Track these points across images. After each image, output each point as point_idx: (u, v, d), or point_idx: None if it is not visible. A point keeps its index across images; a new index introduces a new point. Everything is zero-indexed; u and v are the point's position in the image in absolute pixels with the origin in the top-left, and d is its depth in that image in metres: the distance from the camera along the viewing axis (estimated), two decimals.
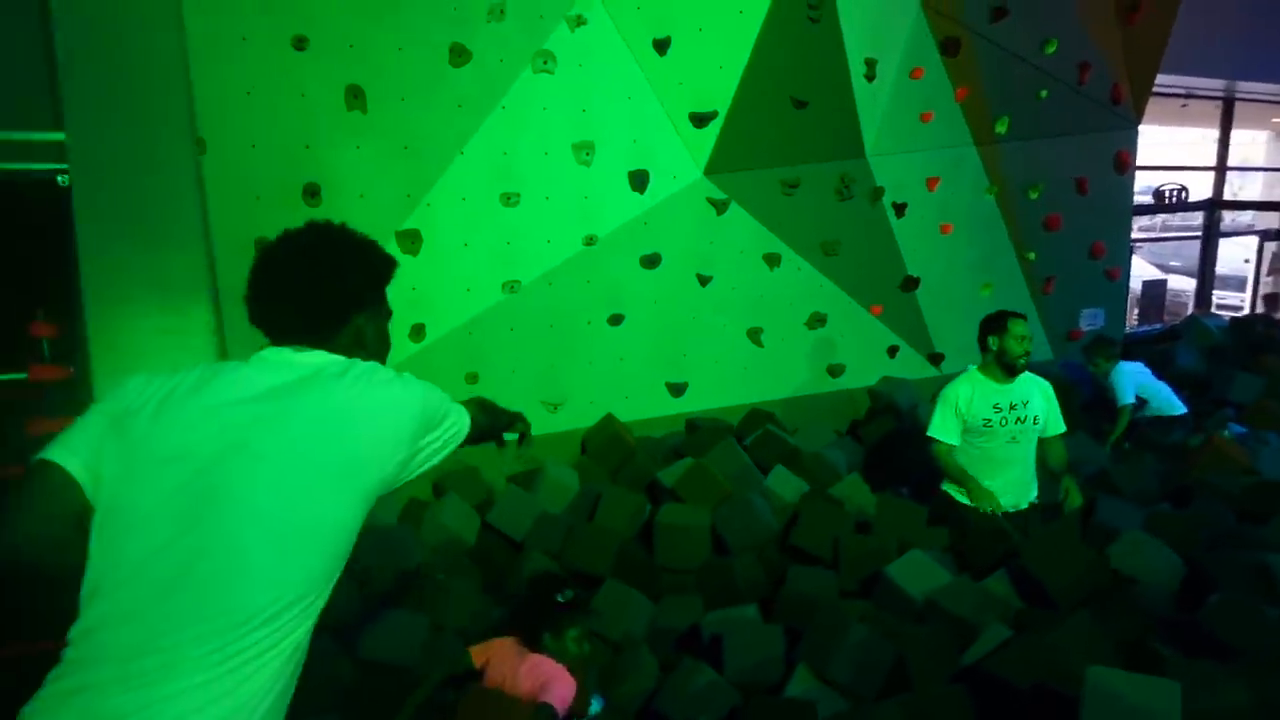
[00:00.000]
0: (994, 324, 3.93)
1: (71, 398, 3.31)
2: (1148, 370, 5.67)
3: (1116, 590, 3.24)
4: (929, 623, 3.24)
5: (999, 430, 3.85)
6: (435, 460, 1.59)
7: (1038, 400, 3.92)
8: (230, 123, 4.06)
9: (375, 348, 1.65)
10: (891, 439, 5.15)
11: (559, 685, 2.61)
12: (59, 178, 3.58)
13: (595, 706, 2.95)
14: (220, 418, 1.40)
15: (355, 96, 4.29)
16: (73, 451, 1.38)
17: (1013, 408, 3.86)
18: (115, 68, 2.53)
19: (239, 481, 1.35)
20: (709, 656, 3.34)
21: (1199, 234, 10.16)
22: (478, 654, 2.84)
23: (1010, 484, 3.89)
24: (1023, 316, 3.92)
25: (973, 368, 4.02)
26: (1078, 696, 2.44)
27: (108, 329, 2.11)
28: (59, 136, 3.35)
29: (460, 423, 1.66)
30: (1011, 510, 3.87)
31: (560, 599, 2.78)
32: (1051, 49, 6.13)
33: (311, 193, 4.26)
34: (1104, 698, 2.31)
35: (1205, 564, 3.48)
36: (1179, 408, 5.51)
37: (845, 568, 3.77)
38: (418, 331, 4.58)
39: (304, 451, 1.39)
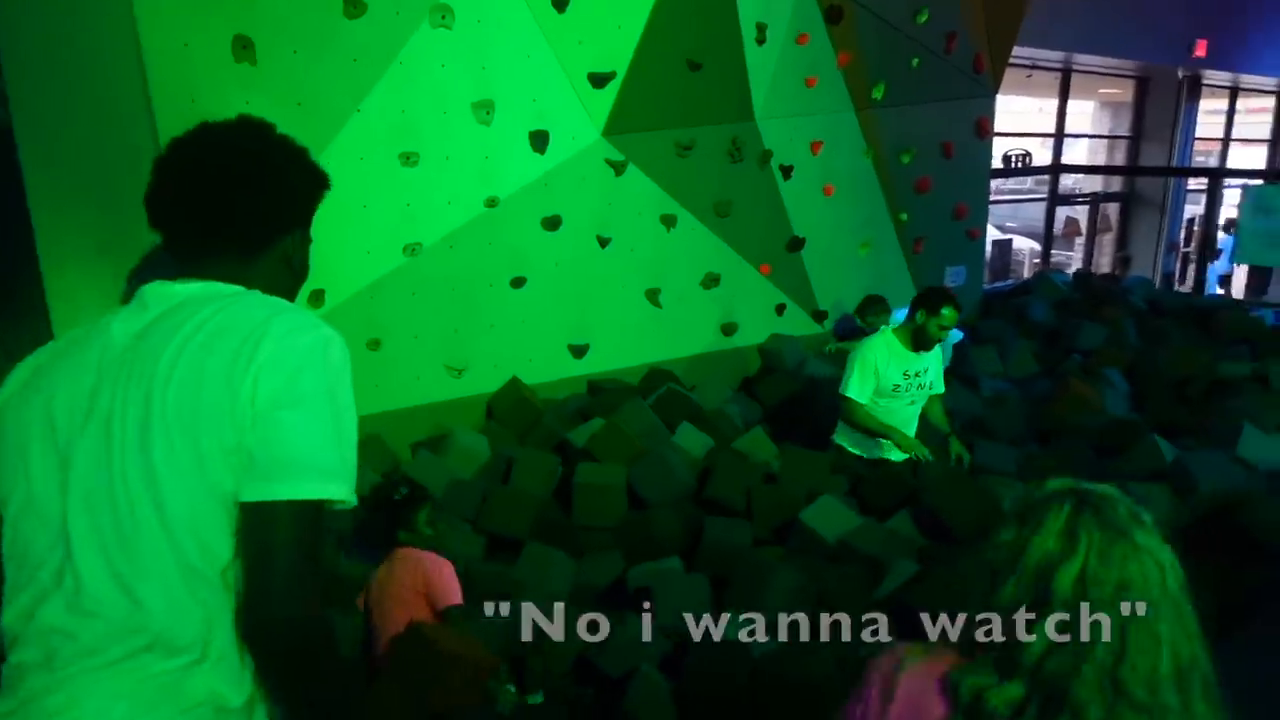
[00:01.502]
0: (929, 303, 4.05)
1: None
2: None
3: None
4: (842, 563, 3.47)
5: (904, 394, 4.12)
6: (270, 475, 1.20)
7: (934, 366, 4.19)
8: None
9: (299, 277, 1.45)
10: (791, 398, 5.37)
11: (434, 570, 2.88)
12: None
13: (537, 698, 3.03)
14: (76, 390, 1.23)
15: (244, 48, 4.04)
16: None
17: (917, 375, 4.12)
18: (61, 28, 2.31)
19: (118, 456, 1.19)
20: (635, 608, 3.46)
21: (1043, 198, 10.96)
22: (359, 602, 3.07)
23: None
24: (956, 305, 4.05)
25: (887, 330, 4.22)
26: None
27: (67, 294, 1.95)
28: None
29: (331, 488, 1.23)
30: (897, 460, 4.17)
31: (396, 496, 3.01)
32: (923, 19, 6.44)
33: None
34: None
35: None
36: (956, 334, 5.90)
37: (759, 517, 3.96)
38: (316, 297, 4.41)
39: (159, 423, 1.19)
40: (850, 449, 4.35)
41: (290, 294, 1.43)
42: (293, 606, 1.16)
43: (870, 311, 5.93)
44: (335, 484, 1.21)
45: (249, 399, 1.18)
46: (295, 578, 1.16)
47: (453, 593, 2.88)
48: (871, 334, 5.77)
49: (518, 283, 5.06)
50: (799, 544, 3.66)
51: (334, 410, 1.23)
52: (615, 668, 3.08)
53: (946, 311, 4.01)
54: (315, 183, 1.44)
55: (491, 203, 4.88)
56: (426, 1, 4.47)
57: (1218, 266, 11.65)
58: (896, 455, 4.20)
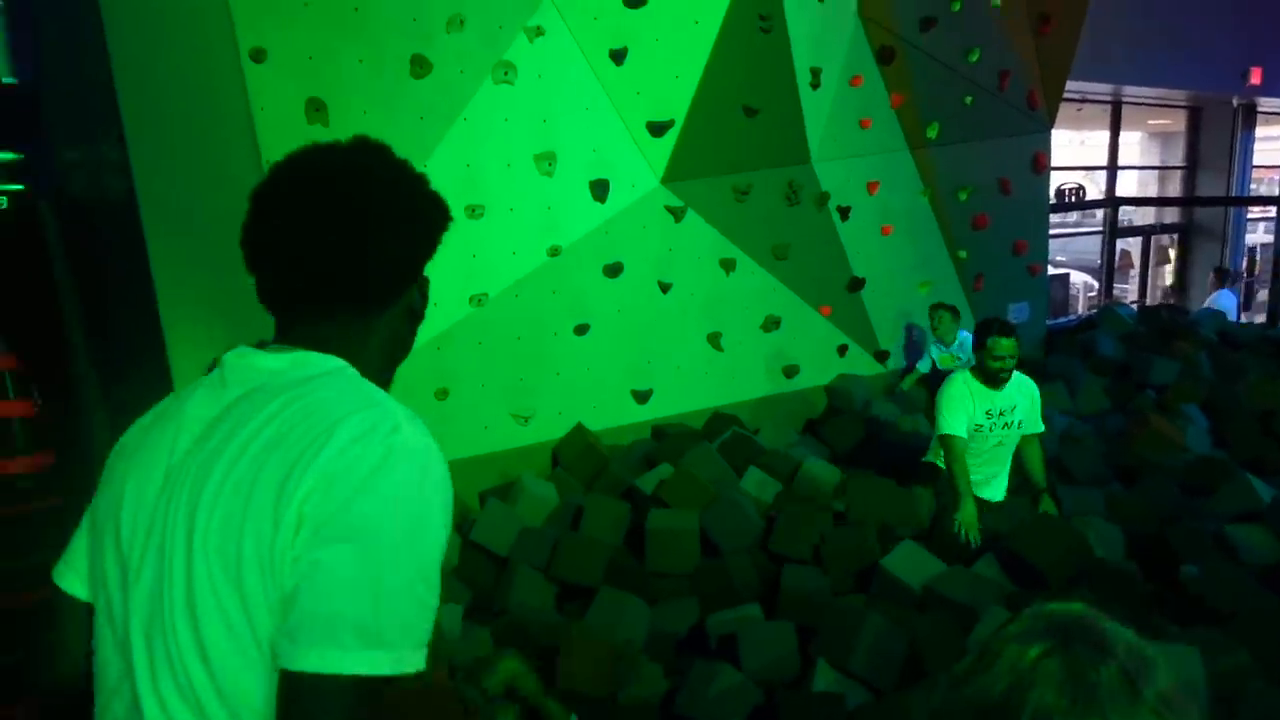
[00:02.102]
0: (979, 338, 3.97)
1: (38, 435, 3.11)
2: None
3: (1099, 568, 3.43)
4: (930, 610, 3.37)
5: (988, 435, 3.99)
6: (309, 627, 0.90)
7: (1023, 404, 4.03)
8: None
9: (392, 352, 1.14)
10: (860, 439, 5.28)
11: None
12: None
13: None
14: (142, 492, 1.01)
15: (316, 110, 4.16)
16: (74, 569, 1.10)
17: (1001, 414, 3.98)
18: (173, 82, 2.40)
19: (178, 553, 0.95)
20: (718, 657, 3.38)
21: (1096, 231, 10.80)
22: None
23: (991, 480, 4.07)
24: (1010, 335, 3.90)
25: (964, 370, 4.11)
26: None
27: (186, 357, 1.99)
28: (3, 156, 3.15)
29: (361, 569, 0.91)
30: (989, 500, 4.04)
31: None
32: (975, 58, 6.44)
33: None
34: None
35: (1169, 537, 3.72)
36: None
37: (833, 569, 3.86)
38: None
39: (227, 532, 0.93)
40: (944, 465, 4.19)
41: (406, 348, 1.17)
42: None
43: (937, 315, 5.91)
44: (381, 653, 0.88)
45: (292, 530, 0.90)
46: None
47: None
48: (941, 344, 5.95)
49: (581, 330, 5.09)
50: (882, 590, 3.57)
51: (399, 552, 0.90)
52: (706, 718, 3.00)
53: (993, 344, 3.88)
54: (444, 213, 1.13)
55: (554, 251, 4.93)
56: (489, 59, 4.57)
57: None
58: (987, 495, 4.07)
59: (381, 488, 0.91)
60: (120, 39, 2.52)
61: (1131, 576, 3.20)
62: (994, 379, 3.93)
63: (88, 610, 1.06)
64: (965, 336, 5.89)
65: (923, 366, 6.12)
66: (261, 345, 1.06)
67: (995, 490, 4.11)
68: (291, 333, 1.06)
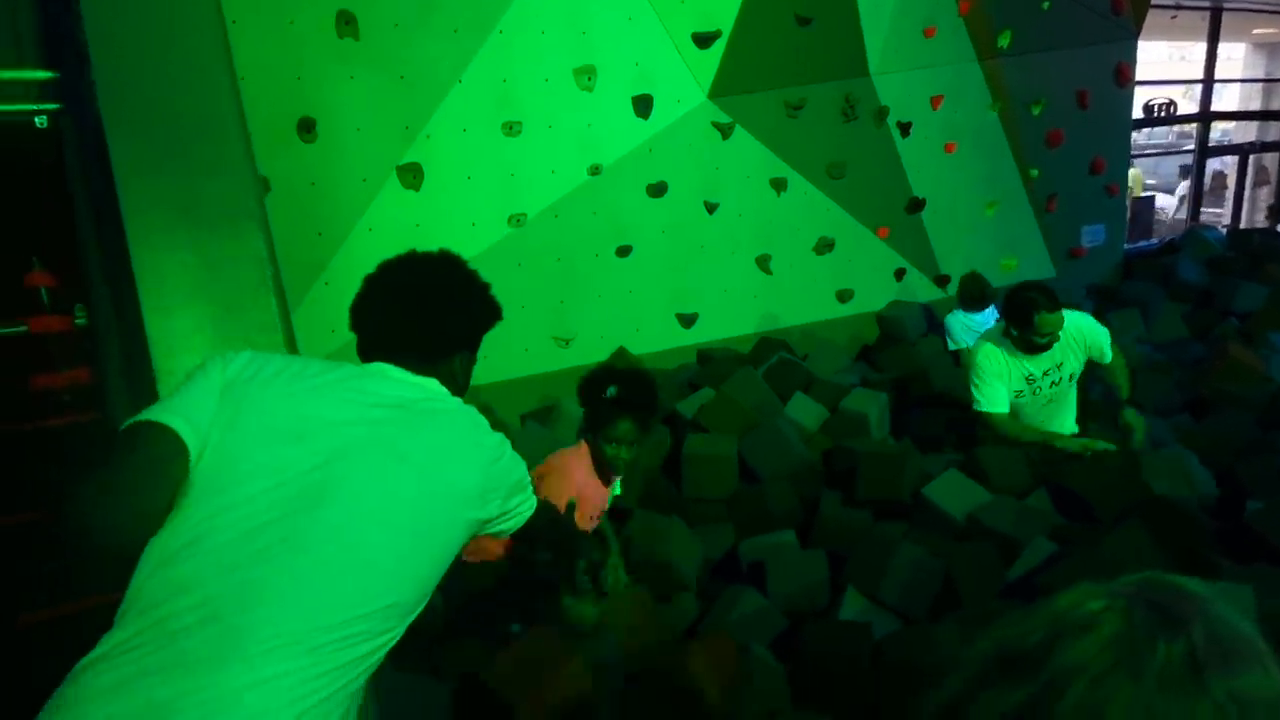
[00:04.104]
0: (1017, 318, 3.54)
1: (77, 348, 3.16)
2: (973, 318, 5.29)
3: (1155, 502, 3.22)
4: (971, 540, 3.22)
5: (1032, 399, 3.72)
6: (505, 526, 1.59)
7: (1073, 358, 3.70)
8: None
9: (463, 385, 1.64)
10: (913, 370, 5.03)
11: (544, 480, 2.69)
12: (36, 119, 3.37)
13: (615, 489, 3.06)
14: (355, 411, 1.38)
15: (346, 23, 4.06)
16: (185, 417, 1.27)
17: (1045, 374, 3.68)
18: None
19: (373, 476, 1.32)
20: (749, 583, 3.31)
21: (1188, 150, 10.10)
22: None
23: (1051, 423, 3.81)
24: (1059, 309, 3.50)
25: (996, 334, 3.73)
26: None
27: (152, 264, 1.97)
28: (39, 75, 3.14)
29: (530, 502, 1.64)
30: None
31: (608, 394, 2.74)
32: None
33: (306, 127, 4.06)
34: None
35: (1237, 472, 3.48)
36: None
37: (866, 486, 3.67)
38: None
39: (437, 463, 1.39)
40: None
41: (469, 383, 1.69)
42: None
43: (971, 299, 5.28)
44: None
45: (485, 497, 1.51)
46: None
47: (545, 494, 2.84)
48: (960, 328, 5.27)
49: (623, 251, 4.96)
50: (923, 519, 3.43)
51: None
52: None
53: (1040, 320, 3.47)
54: (492, 314, 1.66)
55: (595, 170, 4.78)
56: None
57: None
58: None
59: (513, 454, 1.57)
60: None
61: (1189, 512, 2.99)
62: (1036, 350, 3.60)
63: (181, 455, 1.25)
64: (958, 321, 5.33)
65: (962, 339, 5.25)
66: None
67: (1061, 428, 3.84)
68: (403, 363, 1.52)
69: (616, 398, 2.70)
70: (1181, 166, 11.79)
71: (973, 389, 3.72)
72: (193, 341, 1.94)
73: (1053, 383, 3.74)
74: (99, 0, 2.13)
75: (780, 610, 3.08)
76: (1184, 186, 11.85)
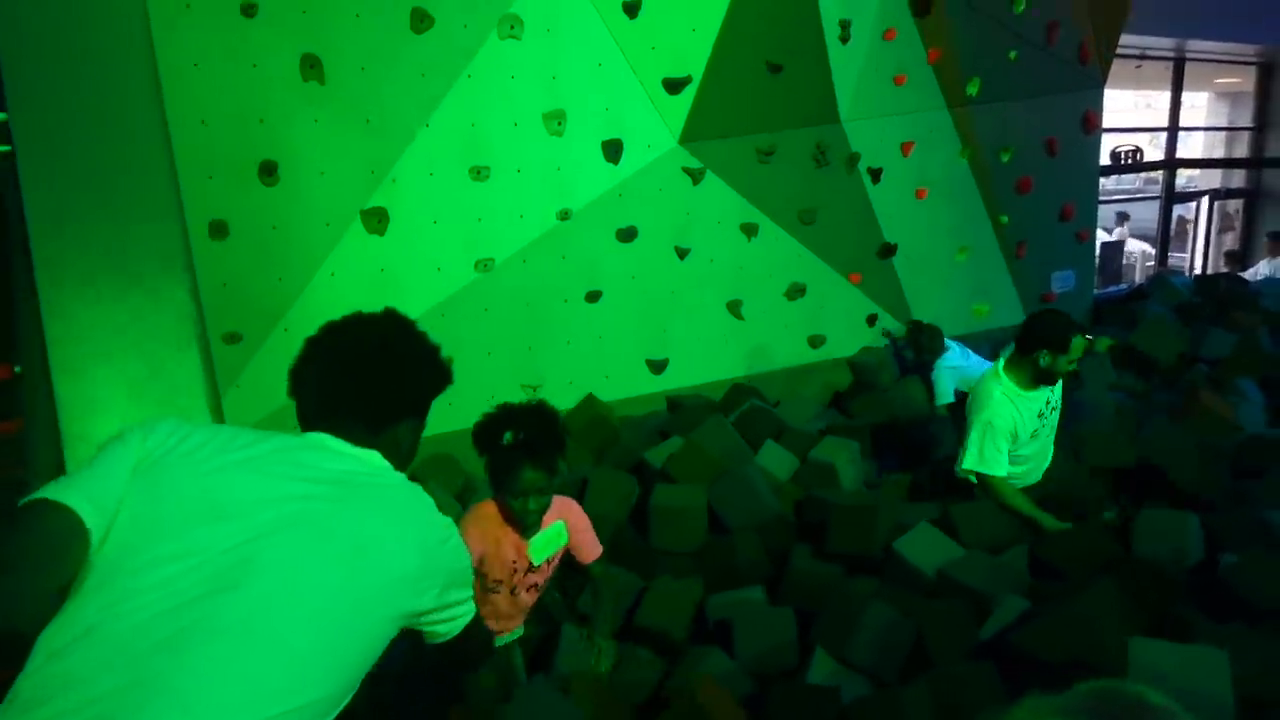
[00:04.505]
0: (1052, 338, 3.37)
1: (13, 396, 3.04)
2: (963, 355, 5.27)
3: (1129, 560, 3.16)
4: (942, 597, 3.15)
5: (1041, 434, 3.61)
6: (440, 629, 1.47)
7: (1058, 388, 3.65)
8: (176, 97, 3.76)
9: (407, 455, 1.54)
10: (886, 418, 4.98)
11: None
12: None
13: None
14: (285, 487, 1.28)
15: (311, 66, 4.01)
16: (88, 496, 1.17)
17: (1049, 404, 3.60)
18: (66, 30, 2.26)
19: (299, 557, 1.22)
20: (716, 642, 3.21)
21: (1155, 197, 10.26)
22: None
23: (1039, 466, 3.73)
24: (1083, 331, 3.45)
25: (1001, 374, 3.53)
26: (1117, 670, 2.35)
27: (66, 315, 1.86)
28: None
29: (469, 608, 1.53)
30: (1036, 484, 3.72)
31: (504, 441, 2.42)
32: (1020, 8, 6.04)
33: (268, 170, 3.99)
34: (1150, 672, 2.22)
35: (1208, 524, 3.43)
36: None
37: (837, 537, 3.59)
38: None
39: (372, 544, 1.29)
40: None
41: (414, 454, 1.59)
42: None
43: (925, 341, 5.26)
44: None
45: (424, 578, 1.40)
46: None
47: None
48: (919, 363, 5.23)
49: (593, 297, 4.90)
50: (894, 575, 3.35)
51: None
52: None
53: (1075, 344, 3.42)
54: (441, 378, 1.56)
55: (564, 215, 4.74)
56: (495, 13, 4.37)
57: None
58: (1033, 480, 3.69)
59: (456, 537, 1.46)
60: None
61: (1163, 571, 2.93)
62: (1053, 380, 3.50)
63: (80, 537, 1.14)
64: (946, 366, 5.16)
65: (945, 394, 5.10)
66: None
67: (1049, 459, 3.75)
68: (344, 433, 1.42)
69: (514, 443, 2.41)
70: (1118, 213, 11.99)
71: (973, 448, 3.50)
72: (108, 404, 1.82)
73: (1053, 409, 3.64)
74: (17, 32, 2.04)
75: (747, 672, 2.99)
76: (1120, 231, 12.03)
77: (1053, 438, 3.74)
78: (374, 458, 1.41)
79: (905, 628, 2.88)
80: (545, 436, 2.45)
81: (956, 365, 5.15)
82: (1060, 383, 3.65)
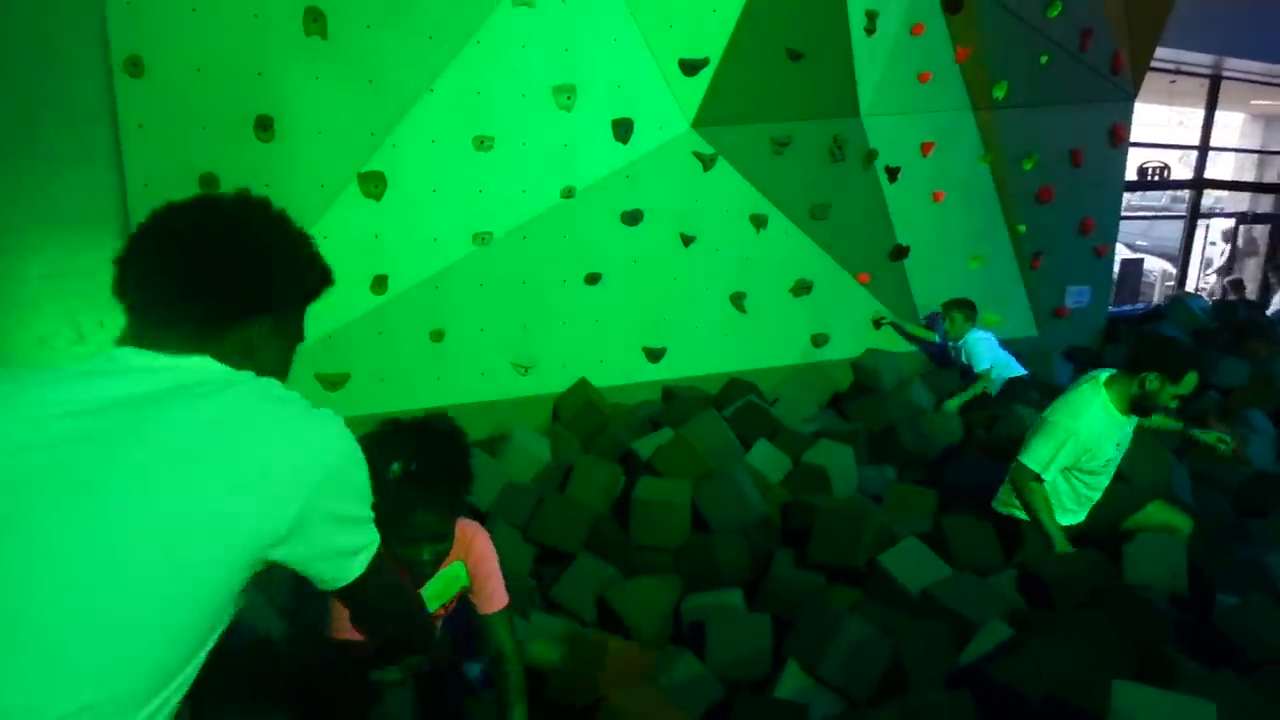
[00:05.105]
0: (1170, 366, 3.19)
1: None
2: (994, 337, 5.58)
3: (1117, 591, 3.04)
4: (923, 616, 3.03)
5: (1111, 466, 3.42)
6: (324, 570, 1.14)
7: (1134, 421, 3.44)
8: (173, 43, 3.64)
9: (272, 367, 1.21)
10: (885, 424, 4.84)
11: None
12: None
13: (474, 670, 2.60)
14: (38, 432, 1.00)
15: (315, 20, 3.88)
16: None
17: (1126, 438, 3.43)
18: None
19: (50, 524, 0.95)
20: (689, 643, 3.11)
21: (1180, 215, 10.05)
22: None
23: (1093, 499, 3.50)
24: (1199, 366, 3.34)
25: (1102, 389, 3.33)
26: (1097, 713, 2.23)
27: None
28: None
29: (372, 543, 1.20)
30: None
31: (392, 473, 1.86)
32: (1055, 12, 5.86)
33: (264, 125, 3.86)
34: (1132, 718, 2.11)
35: (1202, 564, 3.30)
36: (1019, 369, 5.44)
37: (819, 545, 3.47)
38: (379, 283, 4.23)
39: (151, 488, 0.98)
40: (1007, 509, 3.54)
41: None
42: None
43: (961, 312, 5.54)
44: None
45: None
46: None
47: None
48: (952, 337, 5.49)
49: (592, 279, 4.78)
50: (877, 589, 3.24)
51: None
52: None
53: (1191, 377, 3.28)
54: (303, 270, 1.25)
55: (568, 193, 4.60)
56: None
57: None
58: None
59: (323, 426, 1.17)
60: None
61: (1153, 607, 2.81)
62: (1147, 412, 3.34)
63: None
64: (980, 337, 5.47)
65: (979, 364, 5.40)
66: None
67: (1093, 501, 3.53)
68: (158, 338, 1.12)
69: (404, 475, 1.86)
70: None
71: (1045, 448, 3.29)
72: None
73: (1123, 447, 3.45)
74: None
75: (717, 677, 2.88)
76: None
77: (1111, 475, 3.50)
78: (200, 363, 1.11)
79: (882, 646, 2.77)
80: (446, 467, 1.93)
81: (987, 335, 5.51)
82: (1137, 421, 3.42)
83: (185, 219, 1.15)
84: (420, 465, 1.86)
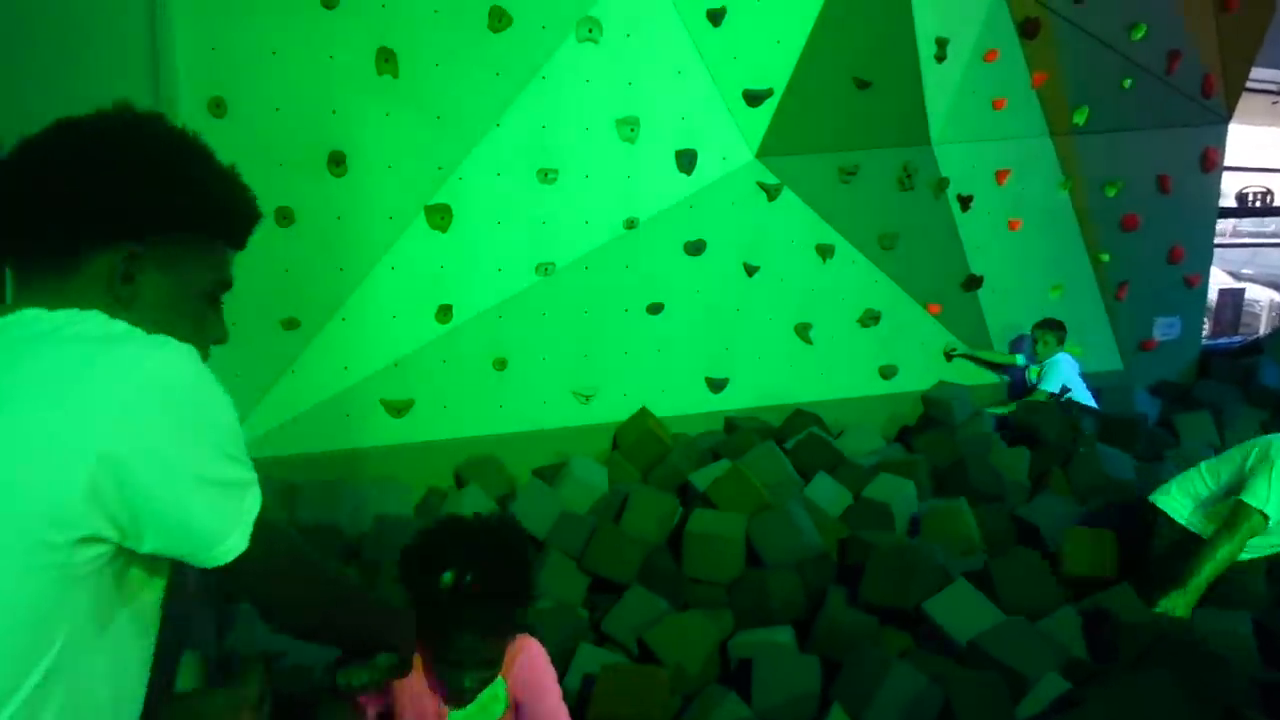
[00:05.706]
0: None
1: None
2: (1077, 365, 5.55)
3: (1184, 644, 2.86)
4: (973, 666, 2.92)
5: None
6: (178, 546, 0.92)
7: None
8: (252, 84, 3.83)
9: (158, 317, 0.97)
10: (954, 458, 4.69)
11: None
12: None
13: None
14: None
15: (386, 60, 4.03)
16: None
17: None
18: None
19: None
20: (735, 682, 3.07)
21: None
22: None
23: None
24: None
25: None
26: None
27: None
28: None
29: (244, 510, 0.96)
30: None
31: (443, 583, 1.65)
32: (1139, 34, 5.66)
33: (336, 161, 4.02)
34: None
35: (1272, 621, 3.08)
36: (1091, 402, 5.46)
37: (871, 585, 3.37)
38: (444, 312, 4.33)
39: None
40: (1188, 522, 3.38)
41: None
42: None
43: (1053, 333, 5.49)
44: None
45: None
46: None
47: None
48: (1039, 357, 5.42)
49: (655, 309, 4.79)
50: (928, 635, 3.14)
51: None
52: None
53: None
54: (171, 189, 0.99)
55: (631, 224, 4.64)
56: (574, 14, 4.31)
57: None
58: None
59: (152, 355, 0.96)
60: None
61: (1223, 660, 2.64)
62: None
63: None
64: (1061, 359, 5.44)
65: (1048, 385, 5.42)
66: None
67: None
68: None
69: (456, 587, 1.64)
70: None
71: (1269, 481, 3.13)
72: None
73: None
74: None
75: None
76: None
77: None
78: (63, 316, 0.92)
79: (932, 696, 2.68)
80: (504, 581, 1.69)
81: (1071, 360, 5.50)
82: None
83: (42, 135, 0.98)
84: (475, 578, 1.65)
